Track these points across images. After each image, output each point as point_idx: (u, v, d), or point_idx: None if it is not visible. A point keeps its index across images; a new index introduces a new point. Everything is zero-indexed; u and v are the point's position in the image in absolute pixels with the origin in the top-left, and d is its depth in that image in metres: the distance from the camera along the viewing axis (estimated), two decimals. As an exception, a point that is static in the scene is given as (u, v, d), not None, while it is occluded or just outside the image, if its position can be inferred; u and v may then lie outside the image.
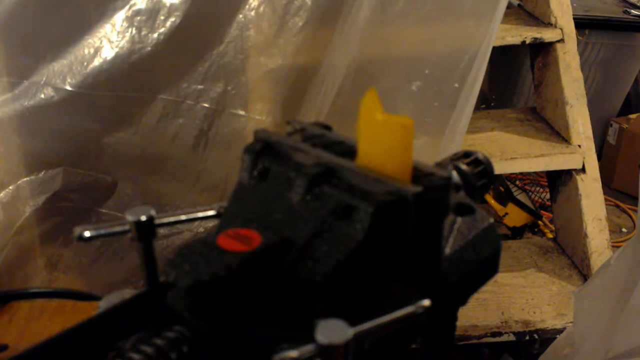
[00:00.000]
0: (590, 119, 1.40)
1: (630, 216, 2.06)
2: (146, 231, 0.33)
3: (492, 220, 0.38)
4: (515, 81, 2.12)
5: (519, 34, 1.39)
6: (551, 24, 1.41)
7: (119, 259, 1.11)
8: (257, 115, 1.05)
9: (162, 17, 0.98)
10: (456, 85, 1.04)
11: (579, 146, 1.39)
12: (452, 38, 1.05)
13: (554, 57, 1.42)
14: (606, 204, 1.40)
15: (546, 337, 1.28)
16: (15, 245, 1.05)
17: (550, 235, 1.78)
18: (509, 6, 1.34)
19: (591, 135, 1.40)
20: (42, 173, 1.05)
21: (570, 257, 1.47)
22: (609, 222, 1.40)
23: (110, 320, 0.30)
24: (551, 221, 1.74)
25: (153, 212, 0.33)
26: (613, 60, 2.14)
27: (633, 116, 2.23)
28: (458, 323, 0.38)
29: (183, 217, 0.36)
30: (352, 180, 0.33)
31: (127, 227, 0.33)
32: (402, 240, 0.33)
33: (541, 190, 2.07)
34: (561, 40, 1.40)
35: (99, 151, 1.06)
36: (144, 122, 1.05)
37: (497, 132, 1.46)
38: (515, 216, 1.77)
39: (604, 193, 1.40)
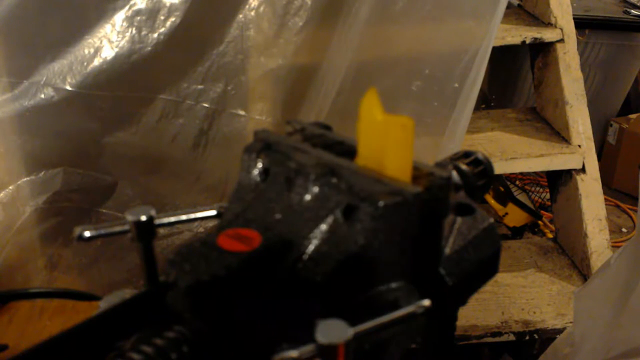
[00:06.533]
0: (590, 119, 1.40)
1: (630, 216, 2.06)
2: (146, 231, 0.33)
3: (492, 220, 0.38)
4: (515, 81, 2.12)
5: (519, 34, 1.39)
6: (551, 24, 1.41)
7: (119, 259, 1.11)
8: (257, 115, 1.05)
9: (162, 17, 0.98)
10: (456, 85, 1.03)
11: (579, 146, 1.38)
12: (452, 38, 1.05)
13: (554, 57, 1.42)
14: (606, 204, 1.40)
15: (546, 337, 1.28)
16: (15, 245, 1.05)
17: (550, 235, 1.78)
18: (509, 6, 1.34)
19: (591, 135, 1.40)
20: (42, 173, 1.05)
21: (570, 257, 1.47)
22: (609, 222, 1.40)
23: (110, 320, 0.30)
24: (551, 221, 1.74)
25: (153, 212, 0.33)
26: (613, 60, 2.14)
27: (633, 116, 2.23)
28: (458, 323, 0.38)
29: (183, 217, 0.36)
30: (352, 181, 0.33)
31: (127, 227, 0.33)
32: (402, 241, 0.33)
33: (541, 190, 2.07)
34: (561, 40, 1.40)
35: (99, 151, 1.06)
36: (144, 122, 1.05)
37: (497, 132, 1.46)
38: (515, 216, 1.77)
39: (604, 193, 1.40)
